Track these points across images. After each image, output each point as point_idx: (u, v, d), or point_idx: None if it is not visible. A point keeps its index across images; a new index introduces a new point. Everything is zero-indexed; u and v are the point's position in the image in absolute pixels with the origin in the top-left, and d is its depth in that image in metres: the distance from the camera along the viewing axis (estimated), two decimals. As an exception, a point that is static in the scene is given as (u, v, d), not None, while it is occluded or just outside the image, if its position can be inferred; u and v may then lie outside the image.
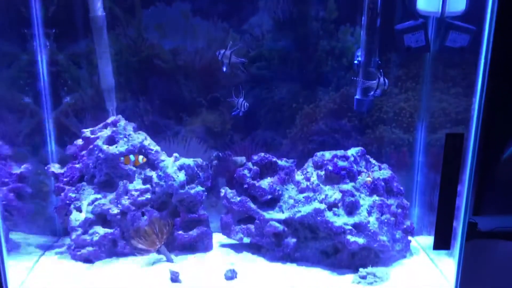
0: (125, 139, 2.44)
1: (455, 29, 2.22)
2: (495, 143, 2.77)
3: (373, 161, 2.55)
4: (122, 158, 2.35)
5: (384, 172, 2.49)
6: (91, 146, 2.44)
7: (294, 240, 2.38)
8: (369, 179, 2.40)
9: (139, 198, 2.42)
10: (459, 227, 2.09)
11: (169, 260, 2.39)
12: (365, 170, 2.47)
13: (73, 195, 2.43)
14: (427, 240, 2.64)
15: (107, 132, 2.48)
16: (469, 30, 2.20)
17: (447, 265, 2.24)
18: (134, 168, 2.45)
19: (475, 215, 2.86)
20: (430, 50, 2.35)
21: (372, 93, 2.34)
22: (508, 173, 2.79)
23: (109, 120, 2.51)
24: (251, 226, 2.46)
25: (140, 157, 2.36)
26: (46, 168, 2.50)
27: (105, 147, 2.42)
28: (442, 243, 2.08)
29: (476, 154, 2.01)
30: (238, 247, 2.55)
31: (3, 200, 2.34)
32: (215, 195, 2.68)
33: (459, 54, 2.28)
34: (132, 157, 2.33)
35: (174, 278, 2.20)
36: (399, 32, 2.27)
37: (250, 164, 2.49)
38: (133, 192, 2.42)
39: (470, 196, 2.03)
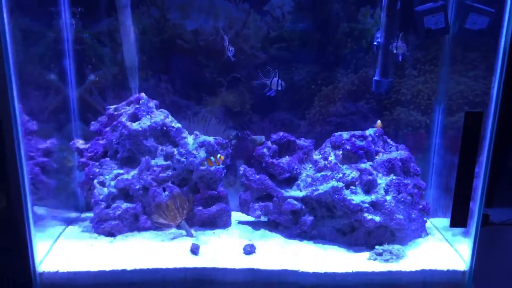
0: (147, 116, 2.50)
1: (475, 11, 2.23)
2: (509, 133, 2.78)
3: (390, 142, 2.58)
4: (205, 161, 2.44)
5: (401, 153, 2.51)
6: (114, 123, 2.51)
7: (311, 218, 2.42)
8: (379, 123, 2.51)
9: (161, 174, 2.47)
10: (475, 207, 2.12)
11: (189, 234, 2.45)
12: (382, 150, 2.50)
13: (97, 170, 2.49)
14: (443, 222, 2.66)
15: (130, 109, 2.54)
16: (488, 13, 2.21)
17: (462, 245, 2.27)
18: (156, 145, 2.50)
19: (487, 207, 2.87)
20: (449, 32, 2.36)
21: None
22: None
23: (133, 98, 2.57)
24: (269, 204, 2.50)
25: (218, 155, 2.43)
26: (71, 143, 2.56)
27: (128, 123, 2.47)
28: (459, 220, 2.10)
29: (495, 135, 2.02)
30: (256, 224, 2.60)
31: (29, 174, 2.40)
32: (233, 174, 2.74)
33: (478, 37, 2.29)
34: (212, 158, 2.41)
35: (194, 250, 2.26)
36: (419, 14, 2.28)
37: (269, 143, 2.54)
38: (155, 168, 2.47)
39: (487, 174, 2.04)
